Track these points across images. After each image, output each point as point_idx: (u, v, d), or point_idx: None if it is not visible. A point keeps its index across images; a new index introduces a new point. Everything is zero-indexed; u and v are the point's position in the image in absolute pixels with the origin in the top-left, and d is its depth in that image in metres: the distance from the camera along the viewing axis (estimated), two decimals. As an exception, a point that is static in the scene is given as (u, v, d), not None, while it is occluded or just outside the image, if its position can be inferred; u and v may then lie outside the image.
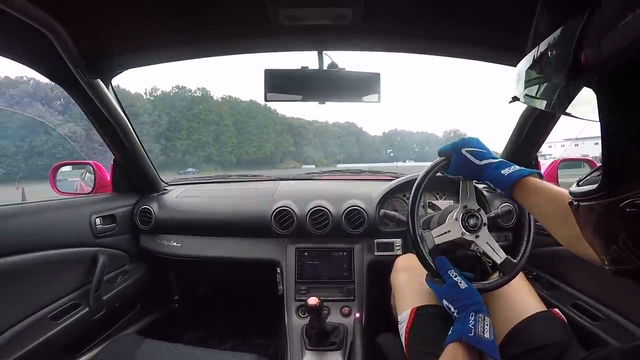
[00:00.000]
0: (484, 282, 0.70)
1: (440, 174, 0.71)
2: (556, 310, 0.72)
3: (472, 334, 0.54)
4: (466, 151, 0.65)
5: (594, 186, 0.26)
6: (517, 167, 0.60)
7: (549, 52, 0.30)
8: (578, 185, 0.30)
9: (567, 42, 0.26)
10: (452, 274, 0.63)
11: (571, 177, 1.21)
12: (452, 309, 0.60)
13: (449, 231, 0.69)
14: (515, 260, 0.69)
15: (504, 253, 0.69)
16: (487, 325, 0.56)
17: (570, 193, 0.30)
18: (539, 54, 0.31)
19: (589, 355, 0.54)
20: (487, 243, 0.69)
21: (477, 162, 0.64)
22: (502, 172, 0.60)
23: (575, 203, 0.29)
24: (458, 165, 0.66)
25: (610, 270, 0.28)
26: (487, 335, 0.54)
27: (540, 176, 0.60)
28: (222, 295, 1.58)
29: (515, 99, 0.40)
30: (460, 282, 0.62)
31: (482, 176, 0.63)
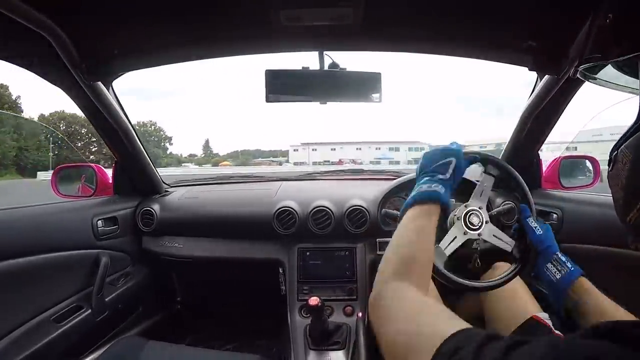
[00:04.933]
0: (486, 281, 0.70)
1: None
2: (538, 315, 0.73)
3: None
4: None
5: None
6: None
7: None
8: None
9: None
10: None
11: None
12: (450, 170, 0.56)
13: (455, 238, 0.67)
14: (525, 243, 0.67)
15: (511, 240, 0.68)
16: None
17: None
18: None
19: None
20: (494, 236, 0.67)
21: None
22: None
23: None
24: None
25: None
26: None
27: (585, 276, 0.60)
28: (225, 296, 1.58)
29: None
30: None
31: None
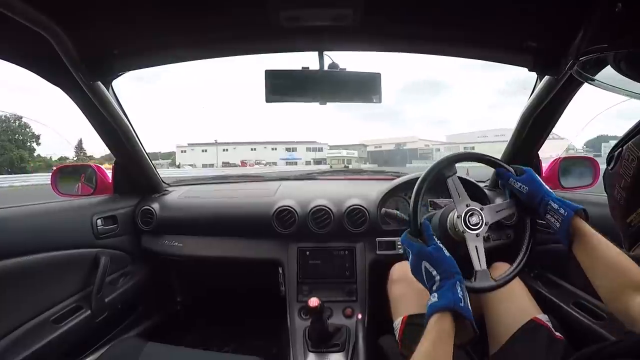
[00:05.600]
0: (488, 282, 0.69)
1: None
2: (538, 317, 0.72)
3: (463, 304, 0.49)
4: None
5: None
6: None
7: None
8: None
9: None
10: (436, 240, 0.58)
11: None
12: (434, 273, 0.53)
13: (476, 248, 0.64)
14: (491, 281, 0.63)
15: (485, 264, 0.64)
16: (468, 298, 0.52)
17: None
18: None
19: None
20: (496, 212, 0.65)
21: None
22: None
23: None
24: None
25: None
26: (470, 308, 0.50)
27: (586, 214, 0.57)
28: (224, 297, 1.58)
29: None
30: (445, 249, 0.56)
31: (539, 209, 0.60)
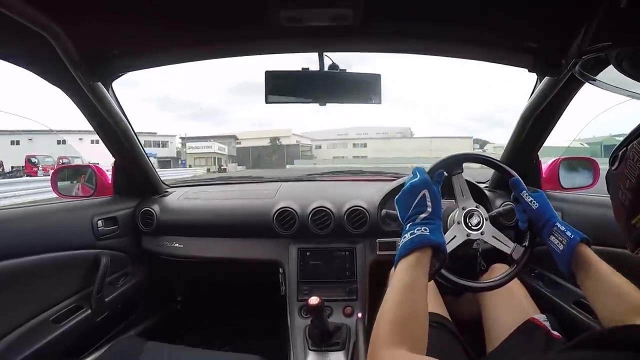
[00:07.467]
0: (485, 281, 0.70)
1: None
2: (535, 317, 0.73)
3: (444, 248, 0.52)
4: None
5: None
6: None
7: None
8: None
9: None
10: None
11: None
12: (429, 203, 0.54)
13: (454, 237, 0.68)
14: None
15: (511, 242, 0.67)
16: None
17: None
18: None
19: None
20: (493, 237, 0.67)
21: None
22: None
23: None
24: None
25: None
26: None
27: (589, 243, 0.58)
28: (225, 296, 1.59)
29: None
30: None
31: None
